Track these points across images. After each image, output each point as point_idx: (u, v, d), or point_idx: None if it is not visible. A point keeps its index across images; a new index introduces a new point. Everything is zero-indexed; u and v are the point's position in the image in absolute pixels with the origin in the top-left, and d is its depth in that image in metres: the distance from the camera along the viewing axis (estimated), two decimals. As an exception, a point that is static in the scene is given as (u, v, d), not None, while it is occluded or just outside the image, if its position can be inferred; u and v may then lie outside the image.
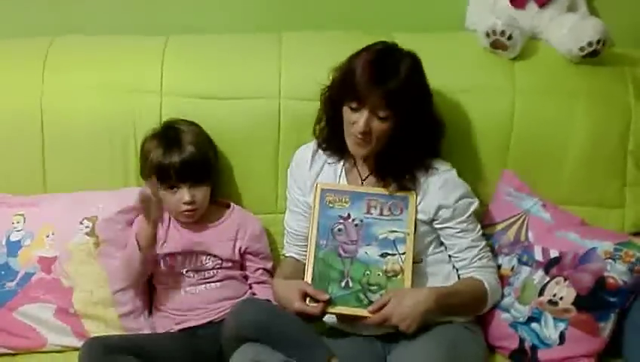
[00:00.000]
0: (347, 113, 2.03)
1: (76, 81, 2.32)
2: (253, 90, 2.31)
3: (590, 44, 2.25)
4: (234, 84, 2.31)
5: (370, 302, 1.96)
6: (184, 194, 2.15)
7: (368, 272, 1.98)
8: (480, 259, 2.09)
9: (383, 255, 1.99)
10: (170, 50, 2.36)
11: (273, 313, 1.97)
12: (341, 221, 2.03)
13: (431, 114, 2.11)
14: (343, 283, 1.98)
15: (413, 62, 2.05)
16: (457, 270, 2.11)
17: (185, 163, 2.13)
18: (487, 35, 2.29)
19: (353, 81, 1.99)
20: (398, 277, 1.97)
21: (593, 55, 2.28)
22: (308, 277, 2.00)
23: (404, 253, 1.99)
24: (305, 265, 2.04)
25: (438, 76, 2.28)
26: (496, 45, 2.30)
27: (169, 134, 2.18)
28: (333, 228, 2.03)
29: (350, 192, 2.07)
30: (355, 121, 2.01)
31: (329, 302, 1.96)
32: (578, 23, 2.30)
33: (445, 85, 2.29)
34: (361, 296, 1.97)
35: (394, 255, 1.99)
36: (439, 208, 2.07)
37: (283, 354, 1.90)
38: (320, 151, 2.19)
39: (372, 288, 1.97)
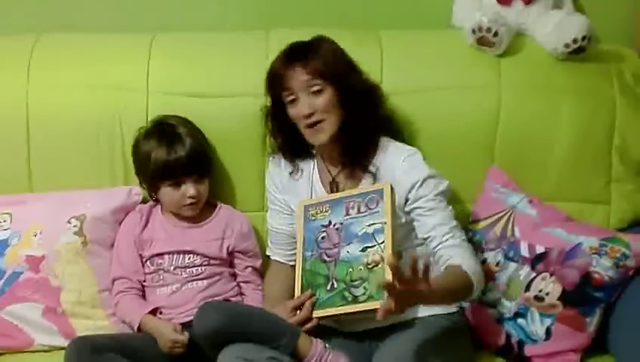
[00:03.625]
0: (289, 110, 2.06)
1: (62, 79, 2.31)
2: (239, 87, 2.31)
3: (575, 40, 2.26)
4: (221, 82, 2.31)
5: (355, 298, 1.91)
6: (189, 188, 2.15)
7: (351, 269, 1.94)
8: (452, 237, 2.00)
9: (364, 249, 1.95)
10: (157, 48, 2.35)
11: (234, 312, 1.96)
12: (324, 229, 2.03)
13: (364, 82, 2.12)
14: (328, 286, 1.96)
15: (326, 38, 2.09)
16: (433, 255, 2.03)
17: (190, 157, 2.14)
18: (473, 31, 2.29)
19: (275, 73, 2.05)
20: (379, 266, 1.91)
21: (578, 52, 2.29)
22: (297, 291, 2.01)
23: (383, 242, 1.93)
24: (292, 270, 2.06)
25: (425, 73, 2.31)
26: (482, 42, 2.30)
27: (166, 131, 2.18)
28: (317, 238, 2.03)
29: (330, 201, 2.06)
30: (299, 110, 2.03)
31: (315, 303, 1.96)
32: (563, 20, 2.31)
33: (432, 82, 2.30)
34: (346, 293, 1.93)
35: (374, 246, 1.94)
36: (410, 189, 2.03)
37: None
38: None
39: (355, 283, 1.92)
